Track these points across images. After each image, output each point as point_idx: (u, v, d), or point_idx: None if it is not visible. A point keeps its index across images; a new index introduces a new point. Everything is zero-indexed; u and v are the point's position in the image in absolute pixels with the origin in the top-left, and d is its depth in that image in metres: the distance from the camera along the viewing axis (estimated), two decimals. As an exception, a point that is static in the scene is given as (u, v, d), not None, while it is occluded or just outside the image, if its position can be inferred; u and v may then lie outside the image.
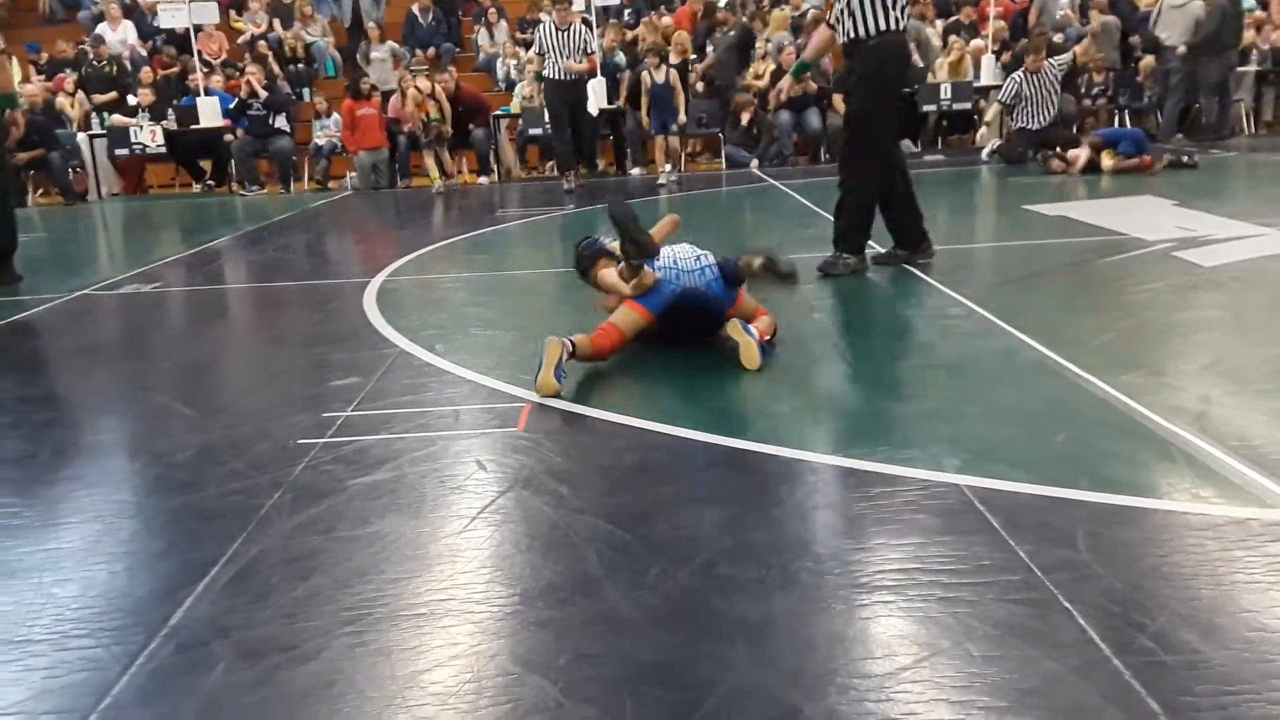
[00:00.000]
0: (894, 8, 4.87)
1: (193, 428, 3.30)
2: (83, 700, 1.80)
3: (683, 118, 10.97)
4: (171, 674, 1.87)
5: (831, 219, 5.29)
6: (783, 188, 9.18)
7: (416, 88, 10.48)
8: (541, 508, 2.52)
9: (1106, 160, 9.02)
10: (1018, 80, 10.07)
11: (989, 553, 2.16)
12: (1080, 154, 9.15)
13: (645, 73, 10.96)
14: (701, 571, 2.15)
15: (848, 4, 4.89)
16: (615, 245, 4.00)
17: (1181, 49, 11.29)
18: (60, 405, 3.67)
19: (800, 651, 1.84)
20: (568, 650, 1.88)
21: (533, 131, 11.53)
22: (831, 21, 5.13)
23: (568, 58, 9.54)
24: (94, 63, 12.58)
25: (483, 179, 11.42)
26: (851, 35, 4.94)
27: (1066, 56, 10.23)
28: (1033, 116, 10.09)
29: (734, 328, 3.67)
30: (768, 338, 3.80)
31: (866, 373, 3.45)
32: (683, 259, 3.80)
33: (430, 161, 10.60)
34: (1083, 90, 11.74)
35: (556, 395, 3.33)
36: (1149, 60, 11.76)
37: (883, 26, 4.87)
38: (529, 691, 1.75)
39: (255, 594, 2.15)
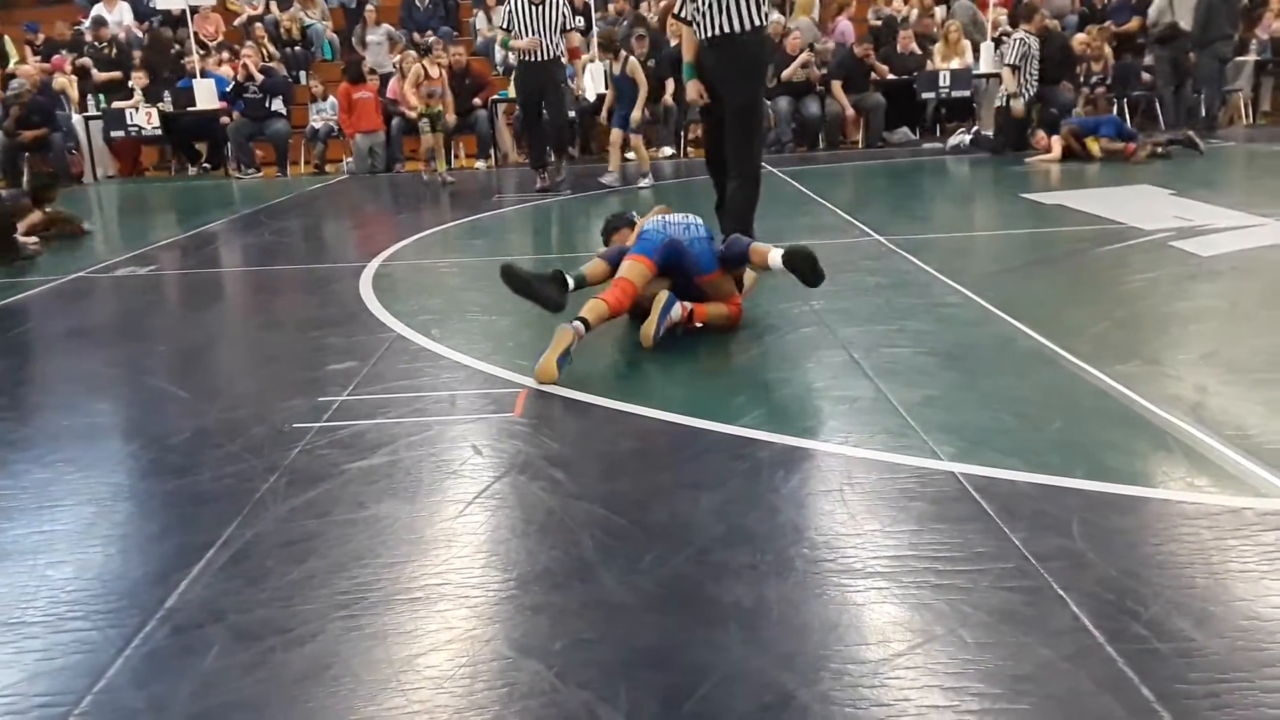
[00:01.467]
0: (764, 3, 4.98)
1: (188, 411, 3.30)
2: (77, 682, 1.80)
3: (637, 113, 9.19)
4: (166, 656, 1.87)
5: (830, 206, 5.27)
6: (780, 174, 9.16)
7: (429, 77, 10.23)
8: (537, 493, 2.52)
9: (1093, 145, 9.05)
10: (1025, 39, 10.01)
11: (983, 540, 2.16)
12: (1056, 144, 9.24)
13: (604, 66, 10.12)
14: (697, 557, 2.15)
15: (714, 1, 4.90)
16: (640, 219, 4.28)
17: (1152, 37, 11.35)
18: (55, 388, 3.66)
19: (794, 637, 1.84)
20: (563, 635, 1.88)
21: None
22: (686, 18, 5.13)
23: (533, 35, 8.33)
24: (94, 44, 12.51)
25: (480, 164, 11.34)
26: (725, 30, 4.92)
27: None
28: (1029, 85, 10.10)
29: (659, 300, 3.71)
30: (699, 324, 3.84)
31: (863, 360, 3.45)
32: (672, 220, 3.95)
33: (426, 146, 10.46)
34: (1082, 79, 11.71)
35: (554, 382, 3.33)
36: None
37: (758, 22, 4.94)
38: (524, 676, 1.76)
39: (250, 577, 2.15)
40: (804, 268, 3.71)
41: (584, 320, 3.50)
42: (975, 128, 10.75)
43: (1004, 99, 10.21)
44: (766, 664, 1.76)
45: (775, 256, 3.77)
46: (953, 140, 10.67)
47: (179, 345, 4.33)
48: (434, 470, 2.71)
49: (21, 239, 6.66)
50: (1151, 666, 1.70)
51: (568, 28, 8.68)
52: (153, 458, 2.92)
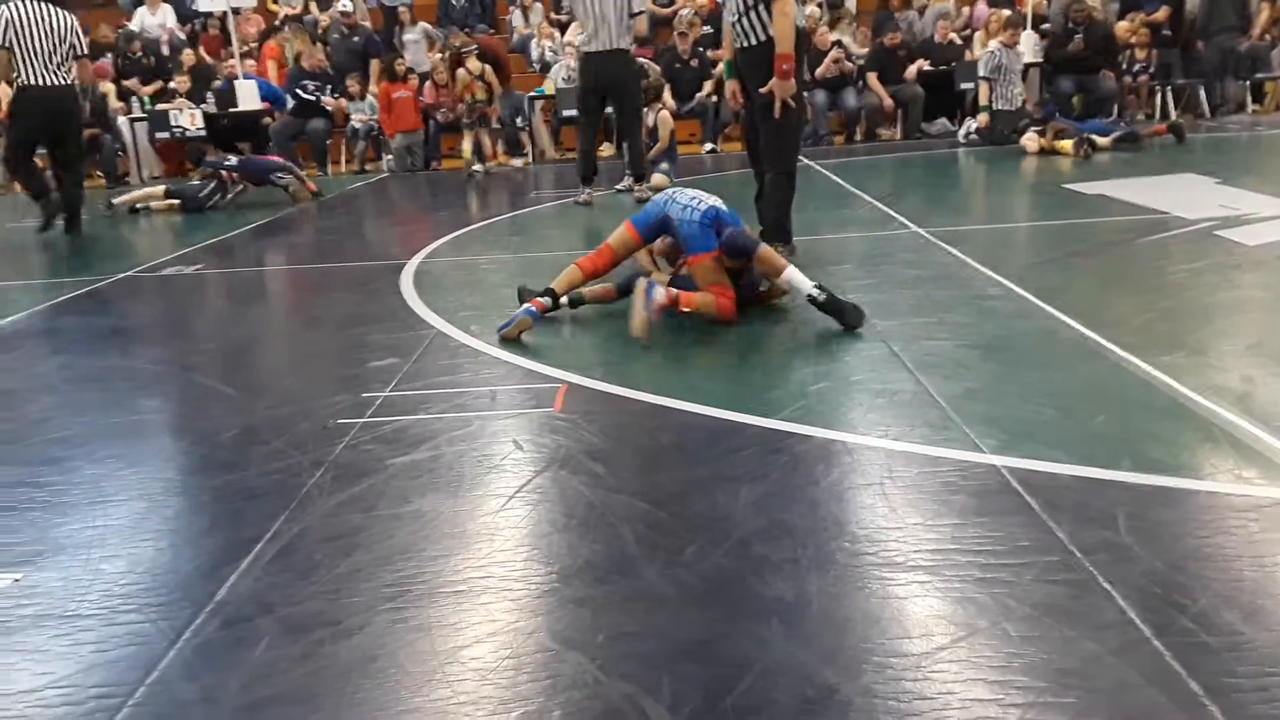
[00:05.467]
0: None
1: (235, 408, 3.35)
2: (131, 674, 1.84)
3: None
4: (217, 648, 1.91)
5: (868, 198, 5.25)
6: (818, 167, 9.12)
7: (467, 69, 10.38)
8: (578, 487, 2.54)
9: (1101, 140, 8.92)
10: (997, 52, 10.04)
11: (1027, 533, 2.15)
12: (1030, 142, 9.16)
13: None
14: (737, 551, 2.16)
15: (751, 10, 4.93)
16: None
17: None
18: (105, 385, 3.73)
19: (836, 631, 1.84)
20: (605, 627, 1.90)
21: (566, 113, 11.48)
22: (731, 24, 5.17)
23: (607, 22, 7.29)
24: (129, 55, 12.62)
25: (515, 161, 11.28)
26: (752, 41, 5.00)
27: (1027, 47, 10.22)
28: (1005, 97, 10.09)
29: (639, 288, 3.72)
30: (686, 309, 3.83)
31: (902, 353, 3.43)
32: (681, 195, 4.01)
33: (467, 145, 10.54)
34: (1124, 66, 11.55)
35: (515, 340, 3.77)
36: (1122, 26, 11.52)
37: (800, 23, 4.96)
38: (567, 668, 1.77)
39: (299, 570, 2.18)
40: (848, 321, 3.76)
41: (550, 291, 3.89)
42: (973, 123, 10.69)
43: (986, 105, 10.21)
44: (808, 658, 1.76)
45: (803, 287, 3.81)
46: (962, 131, 10.63)
47: (225, 343, 4.40)
48: (476, 465, 2.73)
49: None
50: (1199, 660, 1.68)
51: (634, 11, 7.54)
52: (201, 454, 2.97)
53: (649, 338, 3.65)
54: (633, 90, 7.76)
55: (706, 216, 3.91)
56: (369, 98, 11.64)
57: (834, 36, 11.77)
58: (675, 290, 3.82)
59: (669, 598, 1.99)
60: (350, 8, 12.72)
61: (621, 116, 7.99)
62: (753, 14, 4.94)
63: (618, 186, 8.41)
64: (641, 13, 7.78)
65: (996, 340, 3.65)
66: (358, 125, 11.77)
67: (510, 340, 3.84)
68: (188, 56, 12.42)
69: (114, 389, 3.68)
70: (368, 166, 11.82)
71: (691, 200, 3.97)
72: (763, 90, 4.94)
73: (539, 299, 4.03)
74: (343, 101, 11.60)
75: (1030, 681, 1.66)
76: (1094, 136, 8.86)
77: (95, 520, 2.52)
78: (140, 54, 12.27)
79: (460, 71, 10.42)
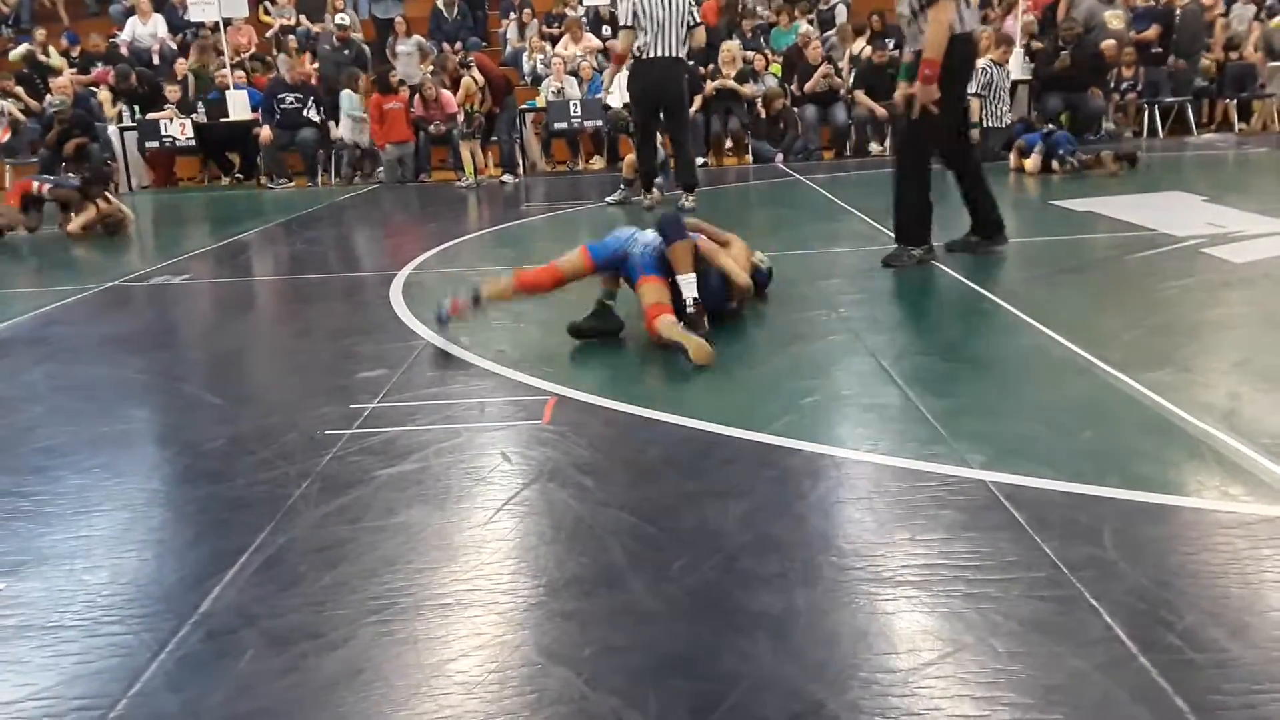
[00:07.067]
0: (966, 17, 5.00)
1: (221, 418, 3.33)
2: (113, 686, 1.82)
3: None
4: (201, 661, 1.90)
5: (858, 214, 5.28)
6: (808, 182, 9.15)
7: (473, 78, 10.48)
8: (566, 500, 2.53)
9: (1029, 163, 8.95)
10: (988, 69, 10.10)
11: (1014, 549, 2.15)
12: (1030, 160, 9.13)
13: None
14: (725, 565, 2.15)
15: (919, 15, 4.96)
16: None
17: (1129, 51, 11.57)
18: (91, 395, 3.71)
19: (823, 646, 1.84)
20: (592, 642, 1.89)
21: (557, 125, 11.49)
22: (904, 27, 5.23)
23: (666, 31, 7.24)
24: (124, 88, 12.39)
25: (507, 176, 11.12)
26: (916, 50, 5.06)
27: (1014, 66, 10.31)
28: (994, 114, 10.20)
29: (671, 325, 3.71)
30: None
31: (891, 368, 3.44)
32: (642, 236, 4.05)
33: (466, 155, 10.58)
34: (1112, 85, 11.63)
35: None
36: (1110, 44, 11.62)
37: (958, 29, 4.95)
38: (553, 682, 1.76)
39: (283, 582, 2.17)
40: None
41: (476, 293, 3.99)
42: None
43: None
44: (795, 672, 1.76)
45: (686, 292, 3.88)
46: None
47: (212, 353, 4.38)
48: (464, 477, 2.72)
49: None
50: (1185, 677, 1.68)
51: (694, 23, 7.53)
52: (187, 464, 2.96)
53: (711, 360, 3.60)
54: (685, 101, 7.81)
55: (660, 249, 3.94)
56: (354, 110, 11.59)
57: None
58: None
59: (656, 612, 1.98)
60: (348, 21, 12.74)
61: (673, 126, 7.87)
62: (919, 19, 4.95)
63: (609, 199, 8.43)
64: (700, 24, 7.75)
65: (985, 356, 3.66)
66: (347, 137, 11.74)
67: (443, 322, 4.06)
68: (181, 66, 12.38)
69: (101, 398, 3.66)
70: (355, 179, 11.76)
71: (652, 240, 3.99)
72: (898, 95, 4.94)
73: (459, 300, 4.07)
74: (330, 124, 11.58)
75: (1017, 698, 1.65)
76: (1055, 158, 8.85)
77: (79, 530, 2.50)
78: (137, 84, 12.17)
79: (465, 80, 10.49)
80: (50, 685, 1.84)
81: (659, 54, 7.35)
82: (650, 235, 4.03)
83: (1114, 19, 11.92)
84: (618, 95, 9.99)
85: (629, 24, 7.36)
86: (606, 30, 13.01)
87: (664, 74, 7.47)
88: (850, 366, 3.55)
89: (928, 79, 4.84)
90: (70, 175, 8.87)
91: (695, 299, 3.83)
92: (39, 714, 1.76)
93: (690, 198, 7.70)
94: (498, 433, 3.06)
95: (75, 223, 8.12)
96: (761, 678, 1.75)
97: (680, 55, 7.48)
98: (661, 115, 7.78)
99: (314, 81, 11.92)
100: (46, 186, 8.37)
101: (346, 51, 12.61)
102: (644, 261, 3.93)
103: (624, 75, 8.33)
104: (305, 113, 11.46)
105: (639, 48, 7.39)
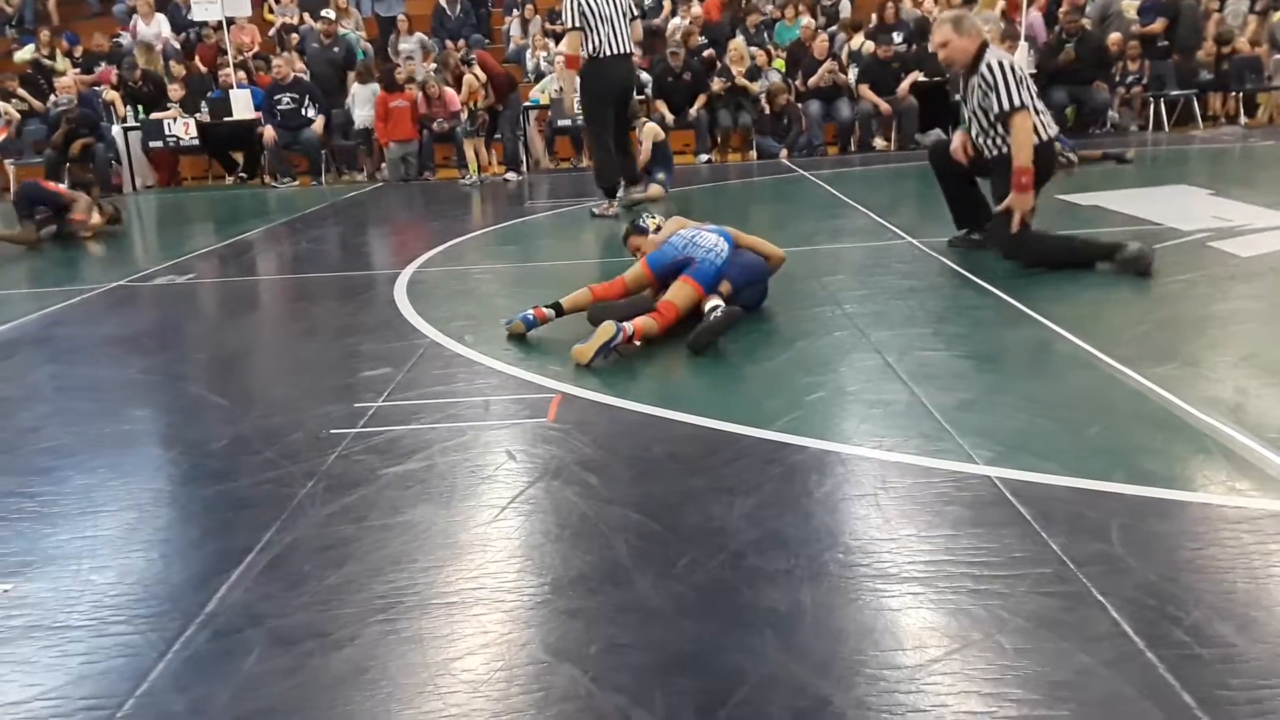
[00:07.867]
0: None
1: (227, 418, 3.34)
2: (120, 686, 1.83)
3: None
4: (207, 660, 1.90)
5: (863, 209, 5.25)
6: (812, 178, 9.13)
7: (474, 75, 10.50)
8: (571, 498, 2.53)
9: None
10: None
11: (1021, 545, 2.15)
12: None
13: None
14: (731, 562, 2.15)
15: (992, 128, 5.01)
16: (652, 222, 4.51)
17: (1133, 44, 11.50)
18: (97, 395, 3.72)
19: (829, 642, 1.84)
20: (598, 639, 1.89)
21: (561, 123, 11.48)
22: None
23: (617, 28, 7.11)
24: (130, 84, 12.42)
25: (511, 174, 11.06)
26: (1005, 150, 4.98)
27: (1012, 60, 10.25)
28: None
29: (604, 331, 3.65)
30: (637, 343, 3.78)
31: (896, 364, 3.43)
32: (703, 239, 4.09)
33: (470, 152, 10.58)
34: (1117, 79, 11.59)
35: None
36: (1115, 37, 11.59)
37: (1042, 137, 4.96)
38: (559, 680, 1.76)
39: (289, 582, 2.17)
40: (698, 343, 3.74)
41: (634, 329, 3.72)
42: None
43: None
44: (801, 669, 1.76)
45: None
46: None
47: (217, 352, 4.38)
48: (468, 475, 2.72)
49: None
50: (1192, 672, 1.68)
51: (634, 15, 7.44)
52: (192, 464, 2.96)
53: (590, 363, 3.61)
54: (631, 97, 7.77)
55: (722, 267, 4.02)
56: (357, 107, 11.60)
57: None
58: (630, 328, 3.73)
59: (662, 609, 1.98)
60: (333, 15, 12.70)
61: (619, 124, 7.71)
62: (994, 130, 4.99)
63: (593, 209, 7.79)
64: (641, 15, 7.68)
65: (991, 351, 3.65)
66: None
67: (515, 336, 4.03)
68: (179, 69, 12.38)
69: (105, 398, 3.67)
70: (359, 177, 11.76)
71: (715, 246, 4.04)
72: (999, 208, 4.90)
73: (543, 309, 4.06)
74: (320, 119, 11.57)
75: (1024, 694, 1.65)
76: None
77: (85, 531, 2.51)
78: (140, 84, 12.18)
79: (467, 78, 10.50)
80: (57, 685, 1.84)
81: (617, 51, 7.24)
82: (713, 239, 4.08)
83: (1130, 9, 11.91)
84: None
85: (576, 25, 7.17)
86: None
87: (628, 70, 7.49)
88: (855, 362, 3.55)
89: (1023, 187, 4.79)
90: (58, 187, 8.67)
91: (715, 306, 3.88)
92: (46, 714, 1.76)
93: (620, 197, 7.60)
94: (502, 431, 3.06)
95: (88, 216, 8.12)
96: (768, 675, 1.75)
97: (632, 50, 7.42)
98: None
99: (304, 78, 11.92)
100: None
101: (335, 49, 12.58)
102: (702, 269, 3.97)
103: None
104: (304, 112, 11.47)
105: (594, 48, 7.21)
